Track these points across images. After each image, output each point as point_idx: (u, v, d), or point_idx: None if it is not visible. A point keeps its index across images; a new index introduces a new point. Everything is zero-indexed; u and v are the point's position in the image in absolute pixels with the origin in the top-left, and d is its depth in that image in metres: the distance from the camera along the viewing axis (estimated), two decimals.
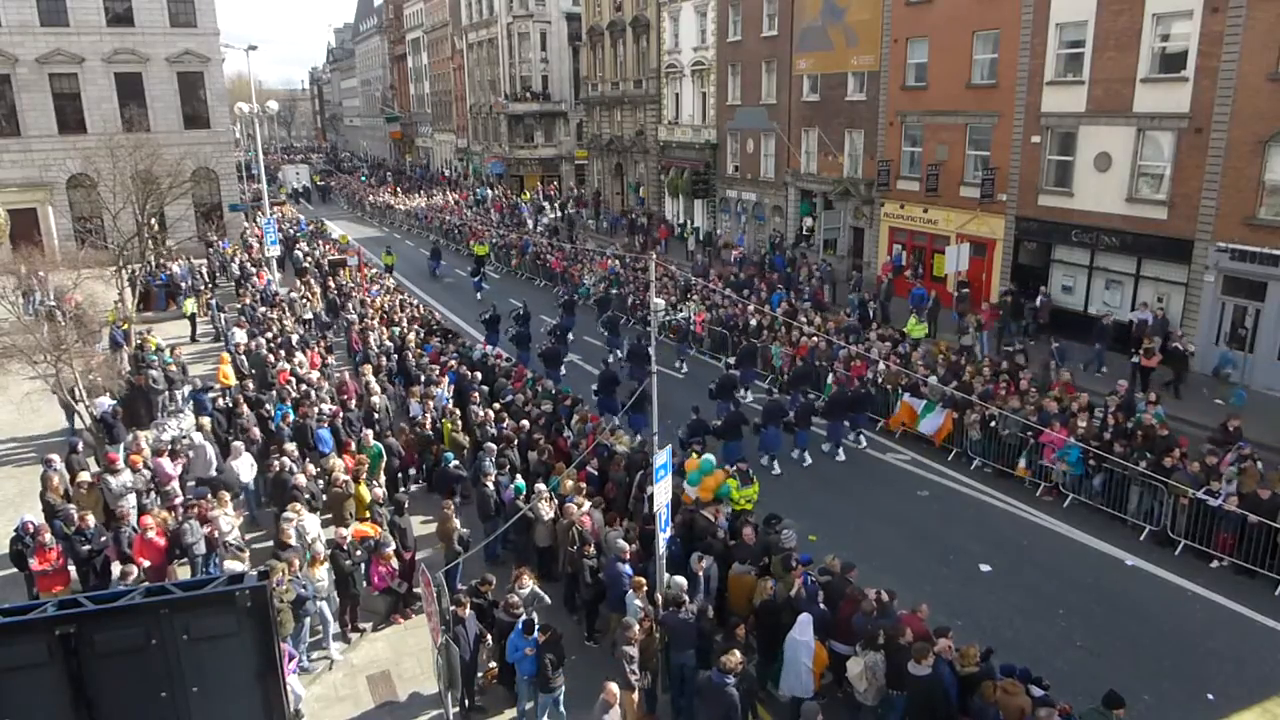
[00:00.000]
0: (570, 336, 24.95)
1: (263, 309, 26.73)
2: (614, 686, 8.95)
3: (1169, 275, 22.41)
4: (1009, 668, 9.29)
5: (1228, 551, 13.26)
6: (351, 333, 24.29)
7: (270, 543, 12.91)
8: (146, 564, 12.02)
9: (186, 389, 20.48)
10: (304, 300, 27.79)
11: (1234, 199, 20.42)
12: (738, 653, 9.30)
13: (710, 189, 42.22)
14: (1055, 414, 16.23)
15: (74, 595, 5.14)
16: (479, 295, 32.34)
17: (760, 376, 22.06)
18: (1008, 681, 8.86)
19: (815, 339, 21.57)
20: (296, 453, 15.10)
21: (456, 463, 15.55)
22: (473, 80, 71.47)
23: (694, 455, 14.57)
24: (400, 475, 16.49)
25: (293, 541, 12.03)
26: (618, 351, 24.03)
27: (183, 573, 12.84)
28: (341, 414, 17.05)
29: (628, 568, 11.20)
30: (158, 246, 32.57)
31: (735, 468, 14.33)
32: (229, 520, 12.99)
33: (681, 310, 26.34)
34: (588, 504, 12.91)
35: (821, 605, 10.41)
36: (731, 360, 21.45)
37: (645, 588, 10.63)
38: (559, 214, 50.37)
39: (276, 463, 14.44)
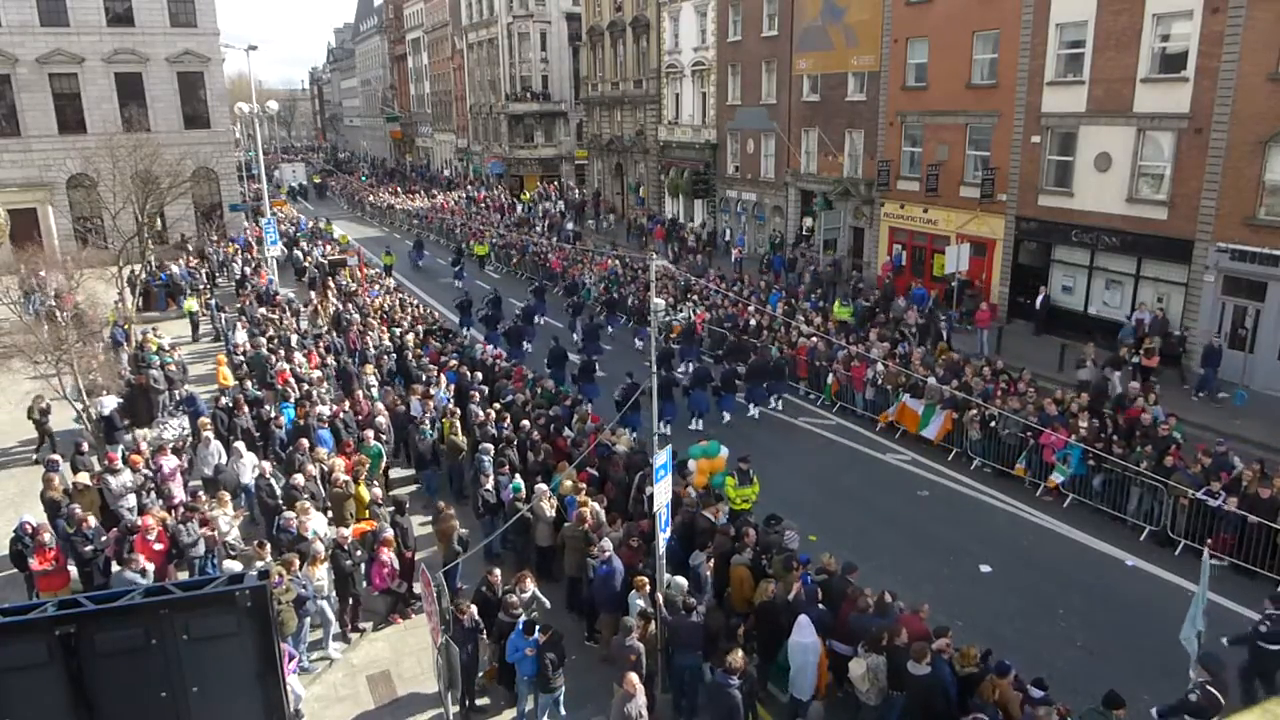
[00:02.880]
0: (538, 320, 27.08)
1: (262, 309, 26.72)
2: (634, 676, 8.97)
3: (1169, 275, 22.40)
4: (1003, 666, 9.27)
5: (1228, 552, 13.25)
6: (351, 332, 24.27)
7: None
8: (142, 560, 12.00)
9: (179, 391, 20.45)
10: (316, 311, 27.57)
11: (1234, 199, 20.41)
12: (740, 653, 9.31)
13: (710, 189, 42.21)
14: (1055, 415, 16.25)
15: (74, 595, 5.14)
16: (458, 284, 34.00)
17: (700, 353, 23.64)
18: (993, 677, 8.88)
19: (814, 339, 21.62)
20: (271, 466, 14.78)
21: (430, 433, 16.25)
22: (473, 80, 71.48)
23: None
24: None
25: (310, 535, 12.13)
26: (575, 334, 26.00)
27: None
28: (341, 414, 17.05)
29: (618, 561, 11.21)
30: (176, 243, 32.77)
31: (734, 467, 14.32)
32: (229, 520, 13.01)
33: (681, 310, 26.38)
34: (597, 506, 12.87)
35: (820, 605, 10.41)
36: (672, 336, 24.17)
37: (646, 587, 10.63)
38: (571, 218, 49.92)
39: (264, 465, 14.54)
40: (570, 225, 46.90)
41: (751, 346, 22.06)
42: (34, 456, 17.14)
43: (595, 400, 18.95)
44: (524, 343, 24.63)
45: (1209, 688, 8.87)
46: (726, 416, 20.07)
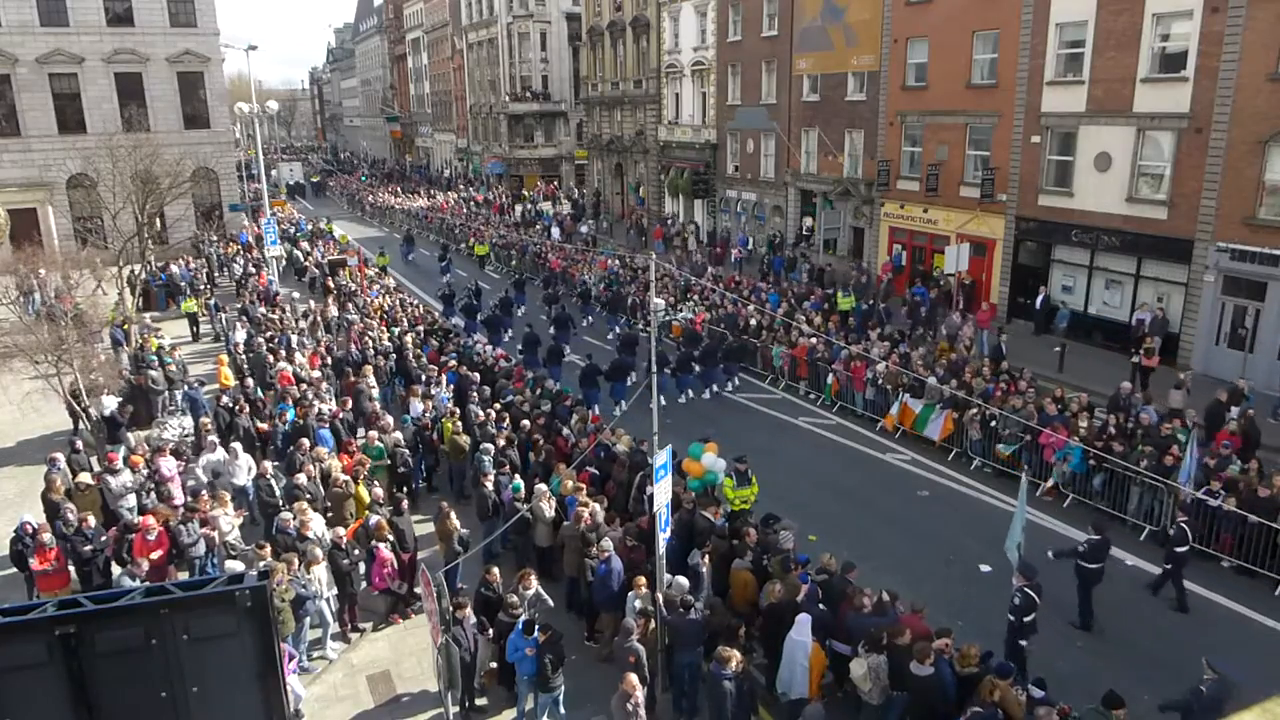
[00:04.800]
0: (517, 311, 28.65)
1: (262, 309, 26.73)
2: (633, 677, 8.99)
3: (1169, 275, 22.41)
4: (1004, 668, 9.28)
5: (1228, 552, 13.26)
6: (351, 333, 24.28)
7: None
8: (146, 565, 12.00)
9: (180, 392, 20.46)
10: (318, 316, 27.52)
11: (1234, 199, 20.42)
12: (737, 653, 9.32)
13: (710, 189, 42.21)
14: (1055, 415, 16.24)
15: (74, 595, 5.14)
16: (445, 278, 34.49)
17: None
18: (993, 678, 8.89)
19: (814, 339, 21.63)
20: (271, 466, 14.77)
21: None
22: (473, 80, 71.48)
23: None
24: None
25: (311, 535, 12.13)
26: (551, 324, 26.80)
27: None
28: (341, 414, 17.05)
29: (617, 561, 11.21)
30: (191, 239, 33.13)
31: (732, 468, 14.31)
32: (229, 520, 13.00)
33: (681, 310, 26.41)
34: (597, 506, 12.87)
35: (821, 606, 10.41)
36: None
37: (645, 587, 10.63)
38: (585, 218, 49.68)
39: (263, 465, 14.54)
40: (584, 228, 46.87)
41: (712, 333, 23.33)
42: (73, 439, 16.93)
43: (559, 380, 20.41)
44: (502, 330, 26.17)
45: (1027, 590, 10.56)
46: (682, 398, 21.44)
